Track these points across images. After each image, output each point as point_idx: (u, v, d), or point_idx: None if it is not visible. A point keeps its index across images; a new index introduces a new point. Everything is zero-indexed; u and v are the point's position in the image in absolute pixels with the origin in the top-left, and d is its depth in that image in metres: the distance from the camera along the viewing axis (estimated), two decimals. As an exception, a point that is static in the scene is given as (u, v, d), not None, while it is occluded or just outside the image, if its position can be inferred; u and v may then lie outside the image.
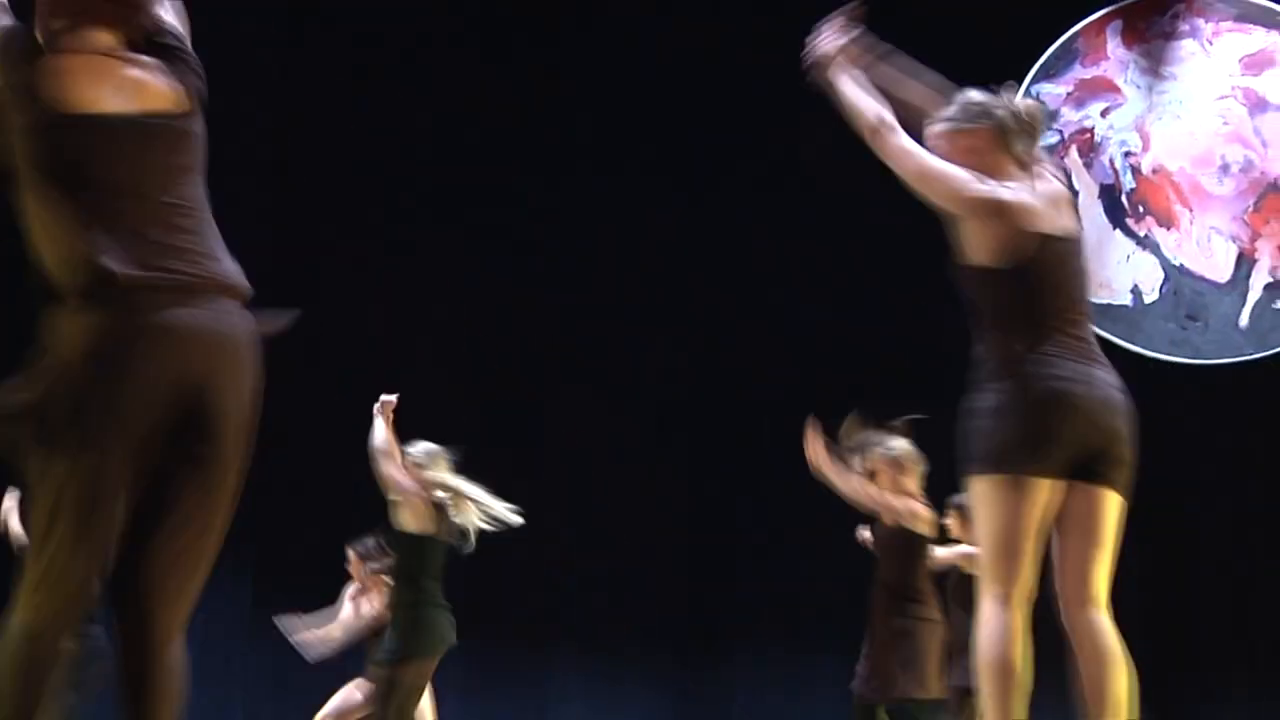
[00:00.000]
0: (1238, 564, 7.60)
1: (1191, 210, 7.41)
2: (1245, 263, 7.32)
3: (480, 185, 7.77)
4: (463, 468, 7.23)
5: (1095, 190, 7.53)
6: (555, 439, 7.68)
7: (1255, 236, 7.33)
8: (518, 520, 5.36)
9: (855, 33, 3.24)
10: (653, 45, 7.87)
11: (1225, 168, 7.36)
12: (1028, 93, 7.48)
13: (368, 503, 7.53)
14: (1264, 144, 7.33)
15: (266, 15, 7.55)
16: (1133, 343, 7.31)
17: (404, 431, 7.58)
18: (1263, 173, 7.31)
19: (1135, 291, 7.43)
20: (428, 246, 7.74)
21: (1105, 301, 7.33)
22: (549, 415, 7.76)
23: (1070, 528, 3.12)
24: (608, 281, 7.77)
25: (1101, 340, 7.28)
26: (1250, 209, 7.34)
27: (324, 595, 7.23)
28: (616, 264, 7.79)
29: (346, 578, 7.20)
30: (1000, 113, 3.23)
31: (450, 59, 7.86)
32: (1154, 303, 7.41)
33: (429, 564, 5.30)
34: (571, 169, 7.84)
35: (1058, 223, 3.19)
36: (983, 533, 2.97)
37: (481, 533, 7.59)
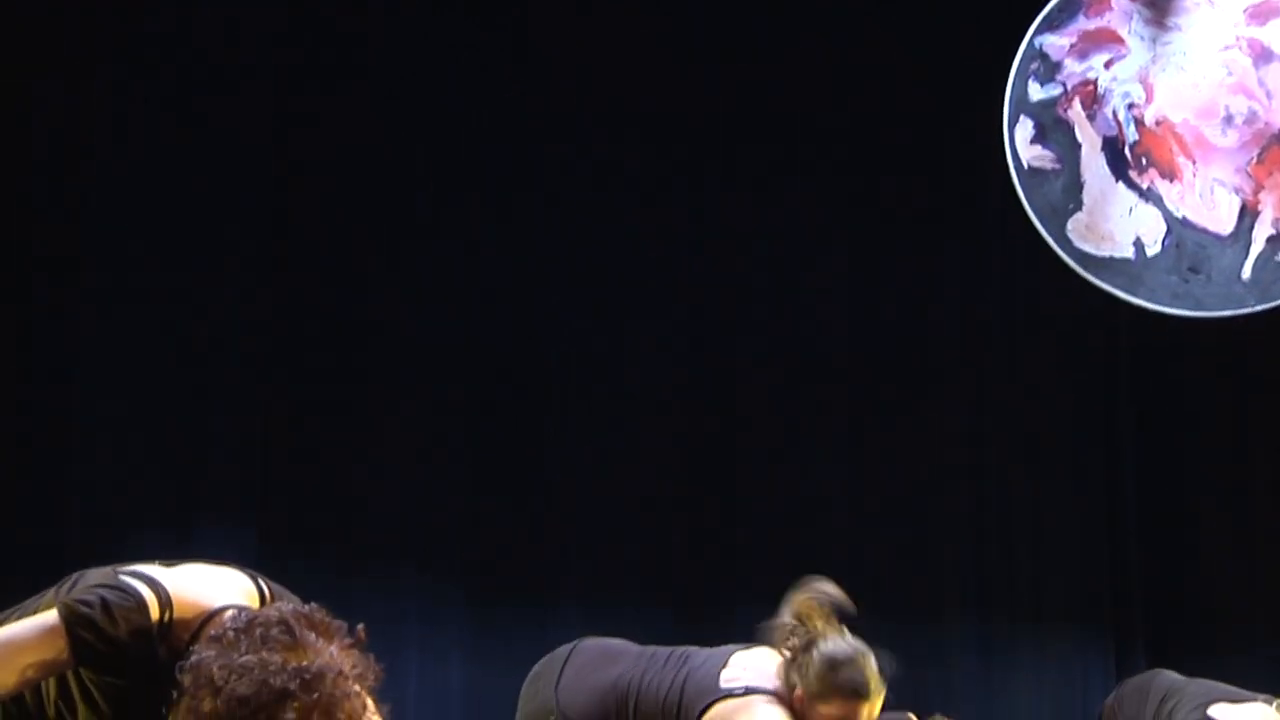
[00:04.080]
0: (1240, 513, 7.66)
1: (1195, 162, 7.37)
2: (1248, 215, 7.28)
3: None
4: (467, 418, 7.22)
5: (1098, 143, 7.49)
6: (558, 398, 7.68)
7: (1258, 189, 7.29)
8: None
9: None
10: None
11: (1229, 119, 7.31)
12: (1031, 44, 7.43)
13: (366, 469, 7.55)
14: (1268, 95, 7.28)
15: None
16: (1134, 296, 7.29)
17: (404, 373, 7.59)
18: (1267, 124, 7.25)
19: (1137, 245, 7.39)
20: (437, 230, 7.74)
21: (1107, 255, 7.31)
22: (553, 371, 7.76)
23: None
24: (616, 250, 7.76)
25: (1104, 294, 7.33)
26: (1254, 161, 7.30)
27: (328, 557, 7.26)
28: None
29: (348, 541, 7.23)
30: None
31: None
32: (1156, 256, 7.37)
33: None
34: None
35: None
36: None
37: (484, 490, 7.63)
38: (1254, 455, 7.65)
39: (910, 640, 7.65)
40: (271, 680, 2.02)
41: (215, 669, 2.06)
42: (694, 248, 7.75)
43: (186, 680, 2.07)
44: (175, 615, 2.27)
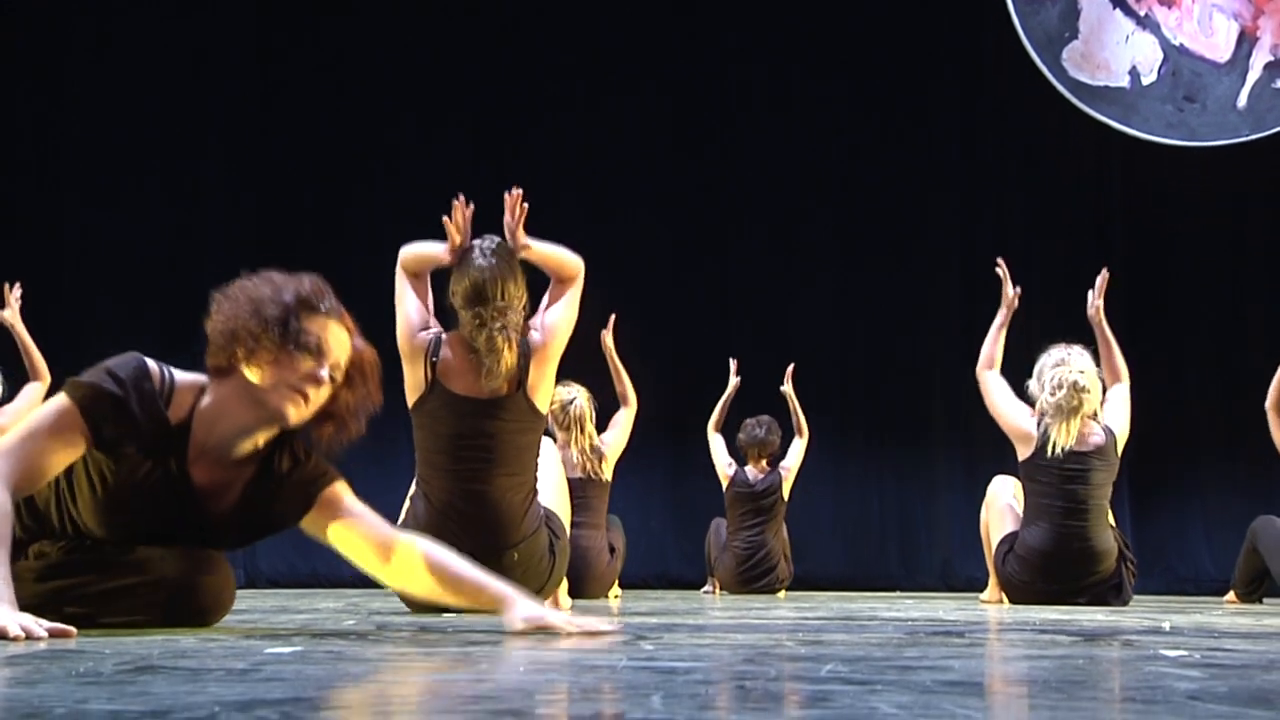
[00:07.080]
0: (1232, 336, 7.74)
1: (1195, -13, 7.28)
2: (1246, 41, 7.21)
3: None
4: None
5: (1097, -31, 7.38)
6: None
7: (1258, 14, 7.20)
8: None
9: None
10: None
11: (1231, -60, 7.20)
12: None
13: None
14: (1273, -85, 7.16)
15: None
16: (1128, 125, 7.25)
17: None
18: (1270, -55, 7.15)
19: (1133, 73, 7.34)
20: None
21: (1102, 83, 7.25)
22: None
23: None
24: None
25: (1097, 123, 7.28)
26: (1255, -15, 7.21)
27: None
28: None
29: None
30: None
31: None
32: (1152, 84, 7.32)
33: None
34: None
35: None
36: None
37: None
38: (1238, 296, 7.68)
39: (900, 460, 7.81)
40: (283, 290, 2.31)
41: (237, 285, 2.35)
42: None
43: (216, 299, 2.35)
44: (175, 383, 2.33)
